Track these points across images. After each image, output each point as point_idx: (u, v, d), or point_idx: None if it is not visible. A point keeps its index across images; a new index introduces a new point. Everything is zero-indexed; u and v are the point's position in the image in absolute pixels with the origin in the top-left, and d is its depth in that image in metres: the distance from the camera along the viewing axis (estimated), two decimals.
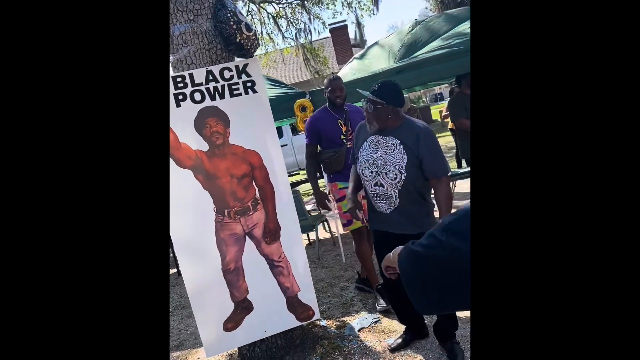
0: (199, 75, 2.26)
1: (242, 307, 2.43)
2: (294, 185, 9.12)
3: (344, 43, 18.67)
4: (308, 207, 6.15)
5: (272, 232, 2.43)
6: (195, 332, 3.35)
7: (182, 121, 2.26)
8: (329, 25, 16.74)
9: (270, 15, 11.70)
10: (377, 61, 4.97)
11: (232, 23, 2.22)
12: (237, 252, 2.39)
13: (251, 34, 2.27)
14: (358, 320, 2.94)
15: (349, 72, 5.31)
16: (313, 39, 12.70)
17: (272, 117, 2.41)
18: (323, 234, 5.28)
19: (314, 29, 13.53)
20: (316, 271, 4.11)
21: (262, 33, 11.33)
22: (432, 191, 2.23)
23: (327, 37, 18.73)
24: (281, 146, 2.64)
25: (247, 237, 2.40)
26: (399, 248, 1.01)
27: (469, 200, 0.83)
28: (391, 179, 2.16)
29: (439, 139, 2.29)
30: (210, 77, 2.28)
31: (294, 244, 2.48)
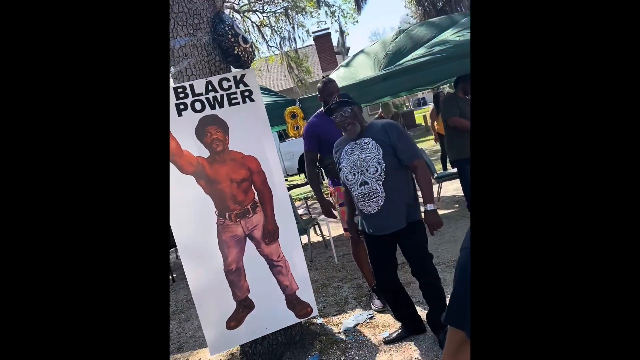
0: (199, 85, 2.39)
1: (244, 306, 2.54)
2: None
3: (328, 50, 18.98)
4: (299, 212, 6.26)
5: (271, 233, 2.55)
6: (194, 335, 3.44)
7: (183, 129, 2.37)
8: (313, 33, 16.99)
9: (254, 24, 11.87)
10: (362, 69, 5.14)
11: (230, 36, 2.35)
12: (238, 253, 2.51)
13: (248, 45, 2.40)
14: (354, 317, 3.07)
15: (335, 79, 5.45)
16: (298, 47, 12.89)
17: (268, 124, 2.54)
18: (315, 237, 5.41)
19: (298, 37, 13.71)
20: (310, 273, 4.17)
21: None
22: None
23: (312, 45, 18.99)
24: None
25: (247, 238, 2.52)
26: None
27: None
28: (372, 173, 2.31)
29: (423, 143, 2.44)
30: (210, 88, 2.40)
31: (291, 244, 2.60)
